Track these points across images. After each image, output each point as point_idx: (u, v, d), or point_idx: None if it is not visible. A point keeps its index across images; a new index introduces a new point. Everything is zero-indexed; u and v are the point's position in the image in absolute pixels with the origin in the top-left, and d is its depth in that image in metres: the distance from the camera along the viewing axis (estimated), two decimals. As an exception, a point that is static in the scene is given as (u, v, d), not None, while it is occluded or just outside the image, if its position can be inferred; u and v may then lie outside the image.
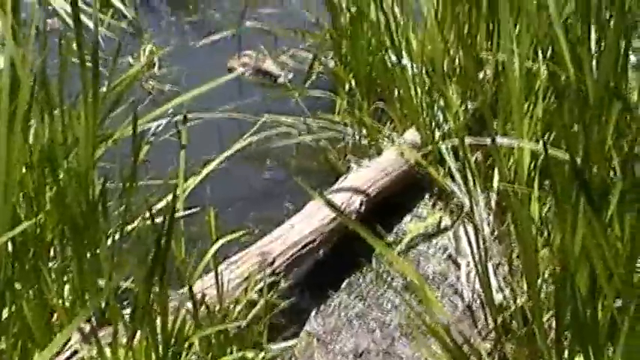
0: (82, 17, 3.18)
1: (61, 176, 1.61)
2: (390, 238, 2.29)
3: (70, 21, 3.18)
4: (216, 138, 2.50)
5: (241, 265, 1.89)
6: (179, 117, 2.24)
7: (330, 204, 1.70)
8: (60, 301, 1.64)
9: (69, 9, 3.22)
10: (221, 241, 1.83)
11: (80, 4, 3.25)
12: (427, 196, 2.43)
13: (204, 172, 2.19)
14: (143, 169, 2.46)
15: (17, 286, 1.56)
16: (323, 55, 2.71)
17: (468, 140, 2.16)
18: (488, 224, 2.21)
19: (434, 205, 2.41)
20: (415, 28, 2.45)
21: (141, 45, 3.09)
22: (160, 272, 1.57)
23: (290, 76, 2.89)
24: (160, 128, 2.31)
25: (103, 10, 3.27)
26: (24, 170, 1.60)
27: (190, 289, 1.66)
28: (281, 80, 2.87)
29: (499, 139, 1.99)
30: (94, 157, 1.63)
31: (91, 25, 3.15)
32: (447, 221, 2.34)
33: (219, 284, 1.80)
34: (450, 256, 2.22)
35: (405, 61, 2.37)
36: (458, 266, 2.18)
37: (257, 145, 2.51)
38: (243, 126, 2.53)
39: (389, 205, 2.36)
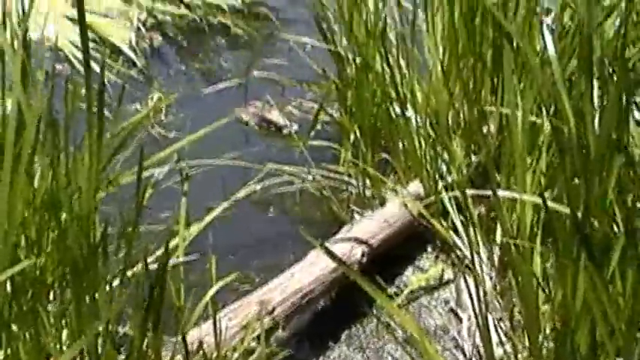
0: (92, 64, 3.25)
1: (63, 218, 1.61)
2: (392, 290, 2.28)
3: (79, 66, 3.23)
4: (219, 186, 2.50)
5: (240, 313, 1.88)
6: (182, 164, 2.27)
7: (331, 254, 1.70)
8: (57, 345, 1.63)
9: (79, 55, 3.28)
10: (217, 286, 1.82)
11: (91, 51, 3.33)
12: (430, 248, 2.42)
13: (207, 218, 2.20)
14: (144, 215, 2.48)
15: (14, 327, 1.55)
16: (328, 106, 2.73)
17: (470, 192, 2.16)
18: (491, 278, 2.19)
19: (436, 258, 2.40)
20: (420, 81, 2.47)
21: (149, 92, 3.13)
22: (154, 319, 1.56)
23: (295, 127, 2.91)
24: (162, 175, 2.31)
25: (114, 57, 3.33)
26: (26, 212, 1.60)
27: (184, 338, 1.64)
28: (286, 131, 2.89)
29: (501, 192, 1.99)
30: (95, 200, 1.63)
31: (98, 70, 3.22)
32: (449, 274, 2.33)
33: (216, 332, 1.78)
34: (451, 310, 2.21)
35: (410, 113, 2.38)
36: (459, 320, 2.16)
37: (260, 194, 2.53)
38: (247, 174, 2.54)
39: (391, 257, 2.35)
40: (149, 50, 3.48)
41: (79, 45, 3.33)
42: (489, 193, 1.97)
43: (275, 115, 2.95)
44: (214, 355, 1.76)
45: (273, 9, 3.75)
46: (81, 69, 3.21)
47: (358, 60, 2.45)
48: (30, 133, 1.53)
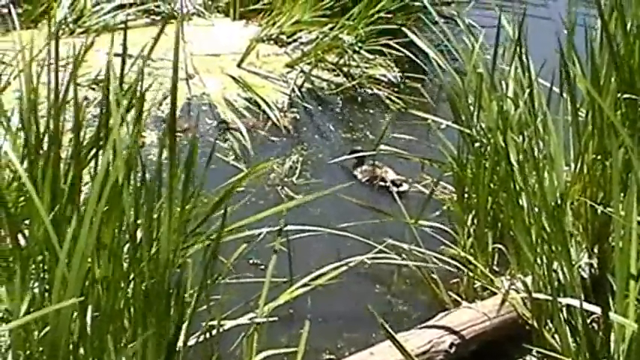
0: (240, 123, 3.41)
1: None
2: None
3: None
4: (329, 253, 2.51)
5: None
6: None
7: (398, 344, 1.64)
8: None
9: (229, 112, 3.46)
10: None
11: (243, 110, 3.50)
12: (534, 350, 2.27)
13: (302, 281, 2.22)
14: (254, 270, 2.55)
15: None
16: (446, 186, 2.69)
17: (576, 302, 2.02)
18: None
19: (541, 361, 2.25)
20: (543, 174, 2.36)
21: (290, 154, 3.23)
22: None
23: (405, 186, 2.92)
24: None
25: (265, 117, 3.48)
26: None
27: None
28: (394, 189, 2.89)
29: (612, 316, 1.86)
30: (175, 254, 1.69)
31: (244, 128, 3.37)
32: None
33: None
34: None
35: (526, 204, 2.28)
36: None
37: (368, 267, 2.51)
38: (358, 245, 2.53)
39: (488, 353, 2.23)
40: (302, 114, 3.61)
41: (234, 103, 3.56)
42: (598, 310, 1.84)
43: (387, 174, 2.96)
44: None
45: (431, 84, 3.77)
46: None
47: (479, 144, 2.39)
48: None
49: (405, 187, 2.93)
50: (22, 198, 2.04)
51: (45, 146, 1.94)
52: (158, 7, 4.12)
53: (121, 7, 3.98)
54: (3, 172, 2.17)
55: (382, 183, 2.96)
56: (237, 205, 2.51)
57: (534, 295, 2.20)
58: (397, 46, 3.85)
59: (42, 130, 2.01)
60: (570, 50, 2.40)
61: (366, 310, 2.41)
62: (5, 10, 3.81)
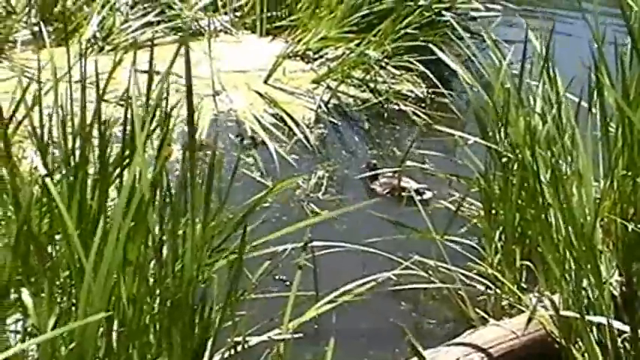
0: (266, 139, 3.42)
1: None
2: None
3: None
4: (355, 269, 2.50)
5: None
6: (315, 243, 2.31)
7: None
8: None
9: (257, 127, 3.47)
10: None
11: (270, 126, 3.51)
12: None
13: (328, 298, 2.21)
14: (281, 286, 2.54)
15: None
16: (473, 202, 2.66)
17: (605, 321, 1.99)
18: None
19: (570, 382, 2.21)
20: (572, 190, 2.33)
21: (316, 169, 3.23)
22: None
23: (429, 194, 2.93)
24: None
25: (291, 133, 3.49)
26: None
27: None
28: (417, 197, 2.79)
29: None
30: (200, 270, 1.69)
31: (270, 144, 3.38)
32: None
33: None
34: None
35: (554, 220, 2.25)
36: None
37: (394, 283, 2.49)
38: (384, 260, 2.52)
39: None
40: (328, 129, 3.61)
41: (260, 119, 3.57)
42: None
43: (409, 183, 2.95)
44: None
45: (458, 100, 3.75)
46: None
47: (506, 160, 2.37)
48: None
49: (428, 194, 2.94)
50: (48, 214, 2.06)
51: (73, 163, 1.96)
52: (186, 24, 4.16)
53: (149, 24, 4.02)
54: (32, 188, 2.19)
55: (405, 193, 2.95)
56: (263, 221, 2.51)
57: (563, 312, 2.18)
58: (424, 62, 3.85)
59: (70, 146, 2.03)
60: (601, 64, 2.37)
61: (392, 327, 2.40)
62: (36, 28, 3.86)
